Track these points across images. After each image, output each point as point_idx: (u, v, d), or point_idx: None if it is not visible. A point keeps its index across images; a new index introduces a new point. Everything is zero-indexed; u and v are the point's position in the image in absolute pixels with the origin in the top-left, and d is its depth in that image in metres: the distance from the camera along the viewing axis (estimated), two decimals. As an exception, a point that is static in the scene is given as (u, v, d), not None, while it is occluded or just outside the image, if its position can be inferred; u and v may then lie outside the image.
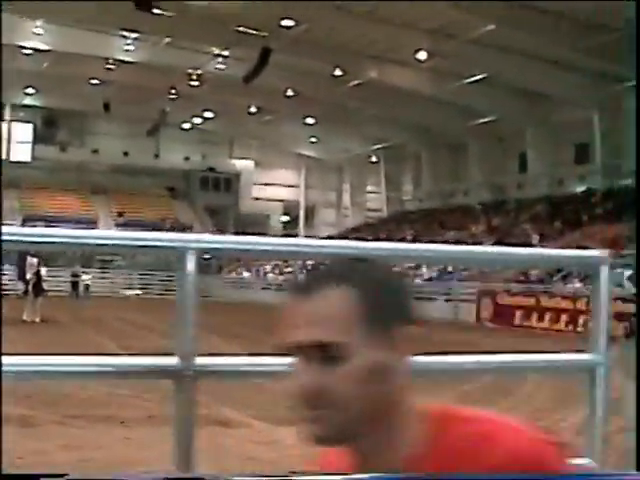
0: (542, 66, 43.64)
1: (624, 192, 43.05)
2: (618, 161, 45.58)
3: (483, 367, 4.06)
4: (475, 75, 46.46)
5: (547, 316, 30.34)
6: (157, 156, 70.69)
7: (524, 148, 51.45)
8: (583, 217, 41.64)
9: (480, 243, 43.44)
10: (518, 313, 31.70)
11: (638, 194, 16.04)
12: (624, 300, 28.37)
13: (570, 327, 29.33)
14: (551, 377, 11.49)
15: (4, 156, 62.51)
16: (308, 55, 46.92)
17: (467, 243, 44.38)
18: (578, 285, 32.22)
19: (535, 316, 30.87)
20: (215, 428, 9.23)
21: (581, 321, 28.95)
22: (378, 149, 65.66)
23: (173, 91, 57.32)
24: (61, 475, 2.99)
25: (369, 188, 71.32)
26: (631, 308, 27.70)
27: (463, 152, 56.55)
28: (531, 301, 31.51)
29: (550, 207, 45.84)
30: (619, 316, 27.73)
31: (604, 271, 3.87)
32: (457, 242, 45.18)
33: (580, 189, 47.74)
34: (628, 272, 31.40)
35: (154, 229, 48.64)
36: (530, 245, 40.11)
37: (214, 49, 50.44)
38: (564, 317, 29.67)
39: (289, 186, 75.85)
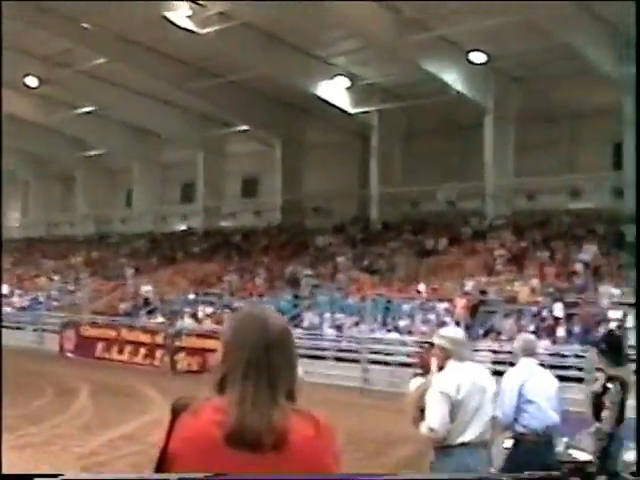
0: (151, 103, 44.46)
1: (220, 233, 44.64)
2: (218, 203, 47.06)
3: None
4: (85, 106, 46.29)
5: (127, 349, 30.61)
6: None
7: (131, 184, 51.76)
8: (178, 254, 42.58)
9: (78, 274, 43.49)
10: (100, 345, 31.68)
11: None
12: (198, 336, 29.37)
13: (148, 360, 29.81)
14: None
15: None
16: None
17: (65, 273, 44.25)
18: (160, 320, 32.81)
19: (116, 349, 31.03)
20: None
21: (158, 355, 29.55)
22: (-15, 174, 63.52)
23: None
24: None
25: (-27, 213, 68.79)
26: (206, 344, 28.72)
27: (72, 183, 55.96)
28: (113, 334, 31.62)
29: (150, 243, 46.50)
30: (194, 351, 28.67)
31: None
32: (55, 272, 44.91)
33: (182, 227, 48.72)
34: (209, 309, 32.54)
35: None
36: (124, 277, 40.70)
37: None
38: (142, 350, 30.09)
39: None
